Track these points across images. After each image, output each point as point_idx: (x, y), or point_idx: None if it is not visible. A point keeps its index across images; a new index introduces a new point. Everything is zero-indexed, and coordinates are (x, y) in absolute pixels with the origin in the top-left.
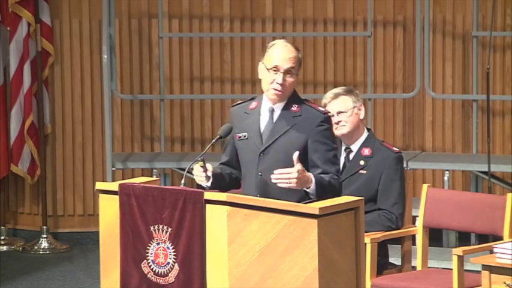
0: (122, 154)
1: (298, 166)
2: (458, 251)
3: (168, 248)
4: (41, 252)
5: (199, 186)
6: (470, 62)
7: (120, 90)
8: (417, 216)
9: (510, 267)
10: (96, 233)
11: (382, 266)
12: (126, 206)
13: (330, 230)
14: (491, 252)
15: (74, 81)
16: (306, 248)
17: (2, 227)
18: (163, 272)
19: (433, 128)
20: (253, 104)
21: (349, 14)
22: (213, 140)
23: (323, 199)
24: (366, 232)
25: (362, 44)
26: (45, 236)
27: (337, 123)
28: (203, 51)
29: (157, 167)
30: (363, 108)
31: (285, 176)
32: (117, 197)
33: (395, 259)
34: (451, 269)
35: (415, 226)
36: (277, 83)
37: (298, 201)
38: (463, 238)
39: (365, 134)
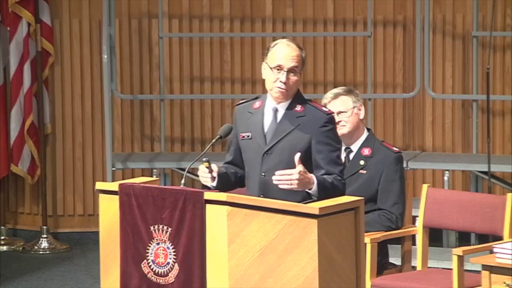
0: (122, 154)
1: (299, 167)
2: (458, 251)
3: (168, 248)
4: (41, 252)
5: (205, 187)
6: (470, 62)
7: (120, 90)
8: (417, 216)
9: (510, 267)
10: (96, 233)
11: (382, 266)
12: (126, 206)
13: (330, 230)
14: (491, 252)
15: (74, 81)
16: (306, 248)
17: (2, 227)
18: (163, 272)
19: (433, 128)
20: (257, 104)
21: (349, 14)
22: (213, 140)
23: (325, 200)
24: (366, 232)
25: (362, 44)
26: (45, 236)
27: (337, 123)
28: (203, 51)
29: (157, 167)
30: (363, 108)
31: (286, 178)
32: (117, 197)
33: (395, 259)
34: (451, 269)
35: (415, 226)
36: (281, 81)
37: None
38: (463, 238)
39: (365, 134)
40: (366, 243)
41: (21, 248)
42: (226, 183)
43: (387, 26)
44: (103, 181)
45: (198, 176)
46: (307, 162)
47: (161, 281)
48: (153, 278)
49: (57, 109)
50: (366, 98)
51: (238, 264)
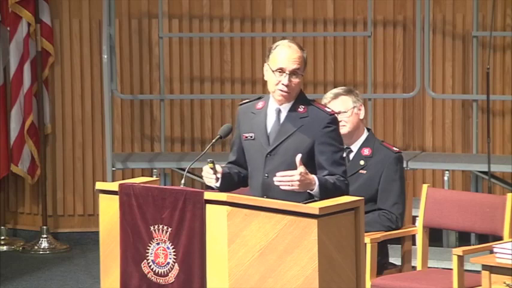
0: (122, 154)
1: (300, 169)
2: (458, 251)
3: (168, 248)
4: (41, 252)
5: (208, 187)
6: (470, 62)
7: (120, 90)
8: (417, 216)
9: (510, 267)
10: (96, 233)
11: (382, 266)
12: (126, 206)
13: (330, 230)
14: (491, 252)
15: (74, 81)
16: (306, 248)
17: (2, 227)
18: (163, 272)
19: (433, 128)
20: (260, 104)
21: (349, 14)
22: (213, 140)
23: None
24: (366, 232)
25: (362, 44)
26: (45, 236)
27: None
28: (203, 51)
29: (157, 167)
30: (362, 108)
31: (287, 179)
32: (117, 197)
33: (395, 259)
34: (451, 269)
35: (415, 226)
36: (283, 84)
37: None
38: (463, 238)
39: (365, 134)
40: (366, 243)
41: (21, 248)
42: (229, 183)
43: (387, 26)
44: (103, 181)
45: (198, 176)
46: (310, 163)
47: (161, 281)
48: (153, 278)
49: (57, 109)
50: (366, 98)
51: (238, 264)
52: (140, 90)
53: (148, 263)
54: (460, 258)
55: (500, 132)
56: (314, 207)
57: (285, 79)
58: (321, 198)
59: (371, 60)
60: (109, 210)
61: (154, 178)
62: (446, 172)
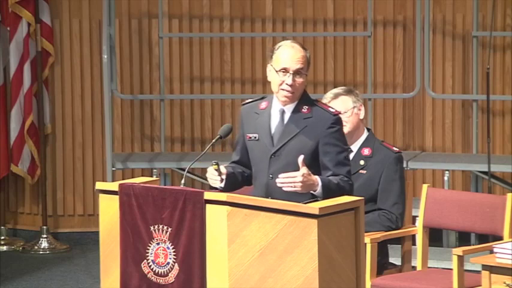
0: (122, 154)
1: (303, 170)
2: (458, 251)
3: (168, 248)
4: (41, 252)
5: (213, 188)
6: (470, 62)
7: (120, 90)
8: (417, 216)
9: (510, 267)
10: (96, 233)
11: (382, 266)
12: (126, 206)
13: (330, 230)
14: (491, 252)
15: (74, 81)
16: (306, 248)
17: (2, 227)
18: (163, 272)
19: (433, 128)
20: (263, 104)
21: (349, 14)
22: (213, 140)
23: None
24: (366, 232)
25: (362, 44)
26: (45, 236)
27: None
28: (203, 51)
29: (157, 167)
30: (362, 108)
31: (290, 180)
32: (117, 197)
33: (395, 259)
34: (451, 269)
35: (415, 226)
36: (287, 84)
37: None
38: (463, 238)
39: (365, 134)
40: (366, 243)
41: (21, 248)
42: (233, 183)
43: (387, 26)
44: (103, 181)
45: (198, 176)
46: (315, 163)
47: (161, 281)
48: (153, 278)
49: (57, 109)
50: (366, 98)
51: (238, 264)
52: (140, 90)
53: (148, 263)
54: (460, 258)
55: (500, 132)
56: (314, 207)
57: (288, 79)
58: (325, 199)
59: (371, 60)
60: (109, 210)
61: (154, 178)
62: (446, 172)
